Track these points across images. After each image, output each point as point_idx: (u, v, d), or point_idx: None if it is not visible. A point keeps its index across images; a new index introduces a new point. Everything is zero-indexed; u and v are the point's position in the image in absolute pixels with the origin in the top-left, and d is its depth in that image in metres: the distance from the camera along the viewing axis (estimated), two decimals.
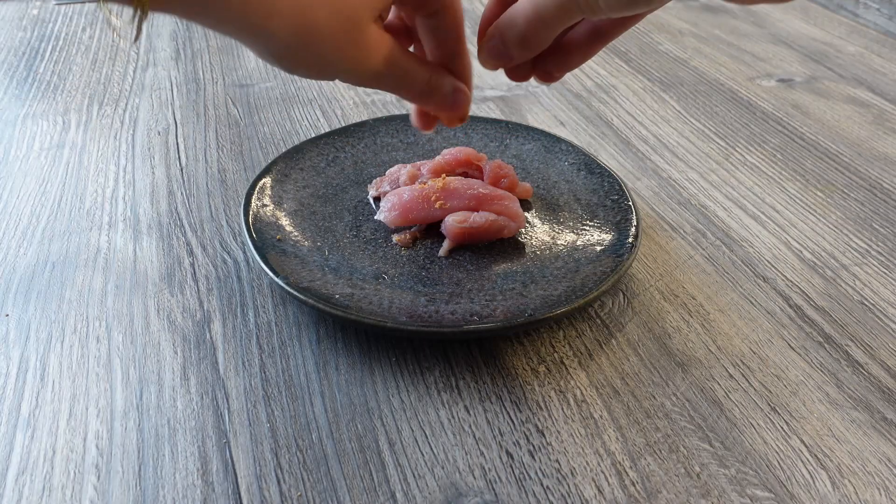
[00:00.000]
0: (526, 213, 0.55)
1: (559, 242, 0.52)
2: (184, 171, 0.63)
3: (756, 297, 0.51)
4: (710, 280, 0.52)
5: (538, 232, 0.54)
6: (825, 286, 0.52)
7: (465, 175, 0.57)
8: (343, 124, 0.71)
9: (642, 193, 0.62)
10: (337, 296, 0.45)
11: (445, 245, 0.51)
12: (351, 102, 0.76)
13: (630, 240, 0.50)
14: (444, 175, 0.56)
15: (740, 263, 0.54)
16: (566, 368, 0.44)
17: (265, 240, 0.49)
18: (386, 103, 0.75)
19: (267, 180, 0.55)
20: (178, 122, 0.71)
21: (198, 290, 0.50)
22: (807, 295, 0.51)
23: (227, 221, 0.57)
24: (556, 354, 0.45)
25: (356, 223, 0.54)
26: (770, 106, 0.77)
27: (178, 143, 0.67)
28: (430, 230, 0.53)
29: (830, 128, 0.73)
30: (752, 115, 0.75)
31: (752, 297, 0.51)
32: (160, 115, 0.72)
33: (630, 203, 0.54)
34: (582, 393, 0.43)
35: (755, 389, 0.43)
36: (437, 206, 0.52)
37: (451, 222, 0.51)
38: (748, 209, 0.60)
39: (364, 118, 0.72)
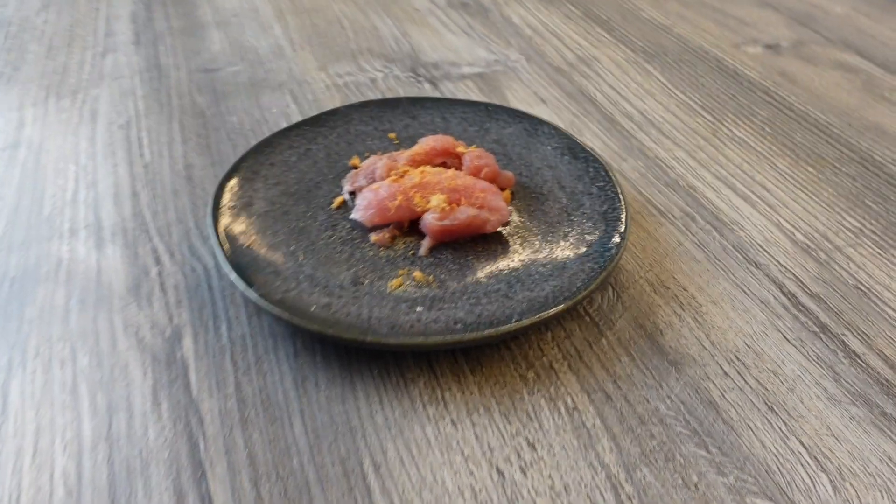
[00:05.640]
0: (508, 205, 0.53)
1: (544, 236, 0.50)
2: (148, 168, 0.60)
3: (749, 286, 0.49)
4: (702, 269, 0.50)
5: (522, 225, 0.51)
6: (819, 270, 0.50)
7: (444, 165, 0.54)
8: (315, 110, 0.68)
9: (628, 175, 0.60)
10: (313, 307, 0.43)
11: (425, 244, 0.49)
12: (322, 86, 0.72)
13: (618, 233, 0.48)
14: (421, 167, 0.53)
15: (732, 249, 0.52)
16: (556, 373, 0.43)
17: (235, 248, 0.47)
18: (360, 85, 0.72)
19: (235, 180, 0.53)
20: (140, 113, 0.67)
21: (166, 302, 0.47)
22: (801, 281, 0.49)
23: (195, 223, 0.54)
24: (544, 358, 0.44)
25: (331, 222, 0.51)
26: (756, 74, 0.75)
27: (140, 138, 0.64)
28: (410, 227, 0.51)
29: (819, 96, 0.71)
30: (739, 85, 0.73)
31: (744, 285, 0.49)
32: (121, 106, 0.69)
33: (617, 191, 0.52)
34: (573, 400, 0.41)
35: (751, 388, 0.42)
36: (415, 202, 0.49)
37: (431, 220, 0.48)
38: (738, 189, 0.58)
39: (337, 103, 0.69)
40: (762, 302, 0.48)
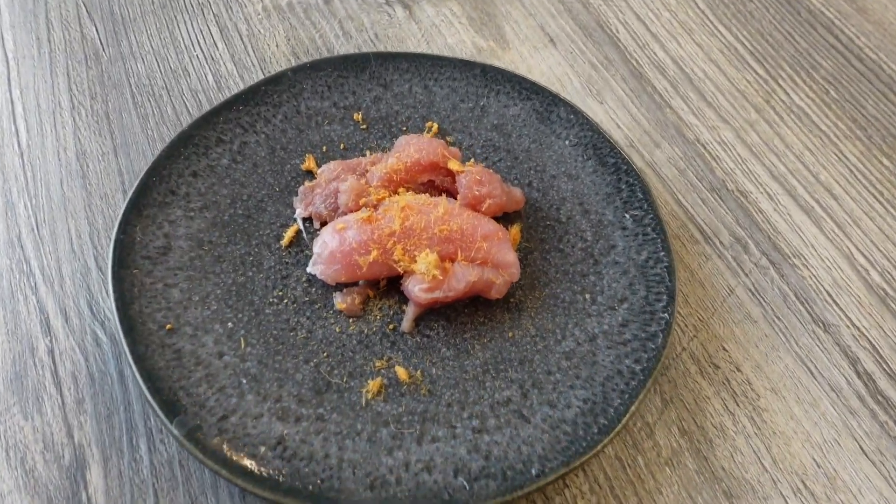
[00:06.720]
0: (517, 246, 0.40)
1: (564, 300, 0.38)
2: (25, 157, 0.44)
3: (816, 361, 0.39)
4: (758, 333, 0.40)
5: (534, 278, 0.39)
6: None
7: (432, 186, 0.40)
8: (251, 54, 0.51)
9: (664, 172, 0.46)
10: (262, 449, 0.31)
11: (409, 314, 0.37)
12: (259, 7, 0.54)
13: (663, 309, 0.36)
14: (401, 190, 0.39)
15: (794, 300, 0.41)
16: None
17: (151, 342, 0.34)
18: (309, 8, 0.54)
19: (145, 211, 0.38)
20: (9, 56, 0.49)
21: (62, 402, 0.35)
22: (878, 351, 0.39)
23: (95, 258, 0.40)
24: (567, 492, 0.34)
25: (282, 271, 0.38)
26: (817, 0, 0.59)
27: (12, 100, 0.47)
28: (387, 282, 0.38)
29: (894, 36, 0.56)
30: (796, 16, 0.57)
31: (810, 360, 0.39)
32: None
33: (658, 226, 0.39)
34: None
35: None
36: (395, 257, 0.36)
37: (418, 293, 0.36)
38: (799, 195, 0.46)
39: (280, 38, 0.52)
40: (833, 388, 0.38)
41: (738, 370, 0.38)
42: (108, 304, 0.38)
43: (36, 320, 0.38)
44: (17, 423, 0.34)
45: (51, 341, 0.37)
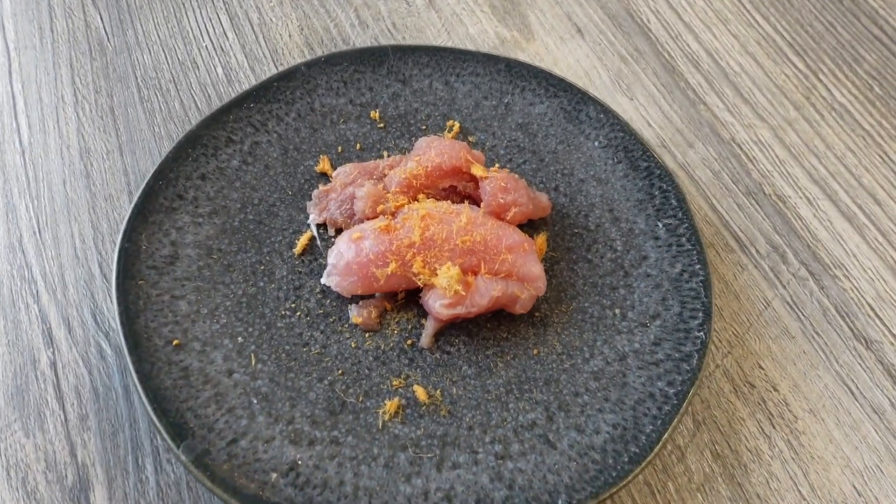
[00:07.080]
0: (542, 255, 0.38)
1: (592, 315, 0.36)
2: (27, 155, 0.42)
3: (857, 380, 0.37)
4: (796, 349, 0.38)
5: (561, 292, 0.37)
6: None
7: (454, 192, 0.38)
8: (263, 45, 0.48)
9: (697, 174, 0.44)
10: (274, 476, 0.30)
11: (428, 329, 0.35)
12: None
13: (699, 327, 0.34)
14: (421, 196, 0.37)
15: (834, 314, 0.39)
16: None
17: (155, 355, 0.32)
18: None
19: (150, 217, 0.36)
20: (10, 47, 0.47)
21: (65, 418, 0.34)
22: None
23: (99, 264, 0.38)
24: None
25: (294, 282, 0.36)
26: None
27: (13, 94, 0.45)
28: (405, 294, 0.36)
29: None
30: (838, 5, 0.54)
31: (851, 379, 0.37)
32: None
33: (694, 236, 0.37)
34: None
35: None
36: (414, 269, 0.34)
37: (438, 308, 0.34)
38: (840, 200, 0.43)
39: (293, 29, 0.49)
40: (875, 410, 0.36)
41: (775, 390, 0.36)
42: (113, 314, 0.37)
43: (38, 330, 0.36)
44: (19, 440, 0.33)
45: (53, 353, 0.35)
